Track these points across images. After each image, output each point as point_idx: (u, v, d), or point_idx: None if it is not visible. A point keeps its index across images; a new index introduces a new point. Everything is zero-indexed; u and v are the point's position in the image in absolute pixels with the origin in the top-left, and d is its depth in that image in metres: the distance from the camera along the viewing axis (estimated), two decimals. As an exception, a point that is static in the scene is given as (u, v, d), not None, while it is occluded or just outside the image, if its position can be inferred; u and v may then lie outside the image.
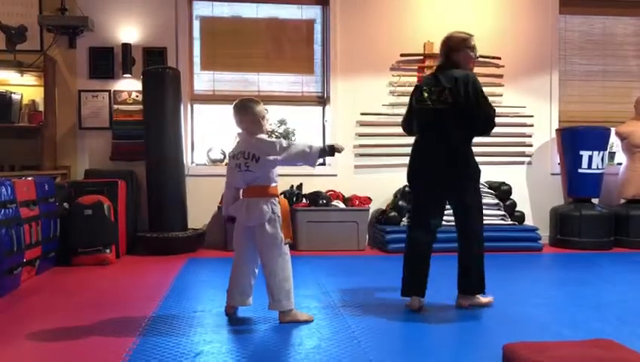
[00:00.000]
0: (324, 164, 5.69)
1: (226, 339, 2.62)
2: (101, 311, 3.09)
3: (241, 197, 2.96)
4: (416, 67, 5.79)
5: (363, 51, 5.75)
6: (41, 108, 5.34)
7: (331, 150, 2.97)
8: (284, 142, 2.92)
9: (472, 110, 3.08)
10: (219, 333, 2.70)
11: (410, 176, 3.30)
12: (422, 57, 5.78)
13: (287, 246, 2.93)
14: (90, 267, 4.42)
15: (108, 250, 4.58)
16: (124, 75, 5.49)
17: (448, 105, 3.11)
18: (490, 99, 5.38)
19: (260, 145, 2.89)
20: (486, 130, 3.19)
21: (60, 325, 2.86)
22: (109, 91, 5.52)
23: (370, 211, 5.54)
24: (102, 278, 4.08)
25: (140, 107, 5.40)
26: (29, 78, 5.36)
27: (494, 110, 3.18)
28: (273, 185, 2.93)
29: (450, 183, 3.18)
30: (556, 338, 2.37)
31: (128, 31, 5.52)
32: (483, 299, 3.22)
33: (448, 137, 3.15)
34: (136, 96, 5.50)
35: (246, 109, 2.95)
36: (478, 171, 3.24)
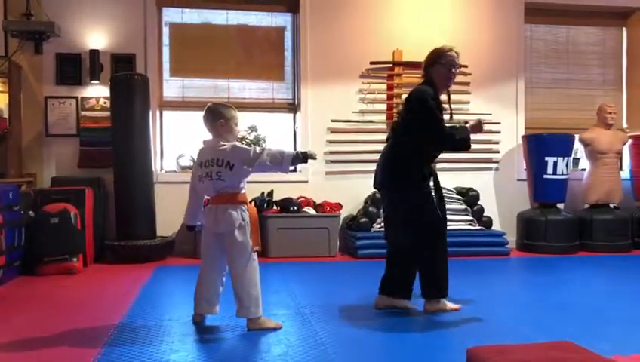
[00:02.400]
0: (295, 170, 5.70)
1: (192, 348, 2.61)
2: (67, 321, 3.04)
3: (209, 204, 2.94)
4: (385, 74, 5.86)
5: (333, 58, 5.79)
6: (5, 114, 5.23)
7: (304, 157, 2.93)
8: (258, 149, 2.89)
9: (411, 127, 3.17)
10: (186, 342, 2.68)
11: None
12: (391, 65, 5.84)
13: (256, 253, 2.93)
14: (56, 276, 4.34)
15: (75, 259, 4.51)
16: (92, 82, 5.43)
17: (399, 119, 3.31)
18: (458, 106, 5.61)
19: (235, 152, 2.86)
20: (439, 147, 3.28)
21: (24, 336, 2.80)
22: (77, 98, 5.45)
23: (341, 217, 5.57)
24: (68, 288, 4.02)
25: (107, 114, 5.33)
26: (-7, 84, 5.27)
27: (438, 129, 3.11)
28: (242, 191, 2.92)
29: (382, 190, 3.39)
30: (521, 341, 2.41)
31: (96, 37, 5.46)
32: (450, 305, 3.25)
33: (390, 149, 3.30)
34: (104, 103, 5.43)
35: (219, 114, 2.93)
36: (416, 185, 3.18)
